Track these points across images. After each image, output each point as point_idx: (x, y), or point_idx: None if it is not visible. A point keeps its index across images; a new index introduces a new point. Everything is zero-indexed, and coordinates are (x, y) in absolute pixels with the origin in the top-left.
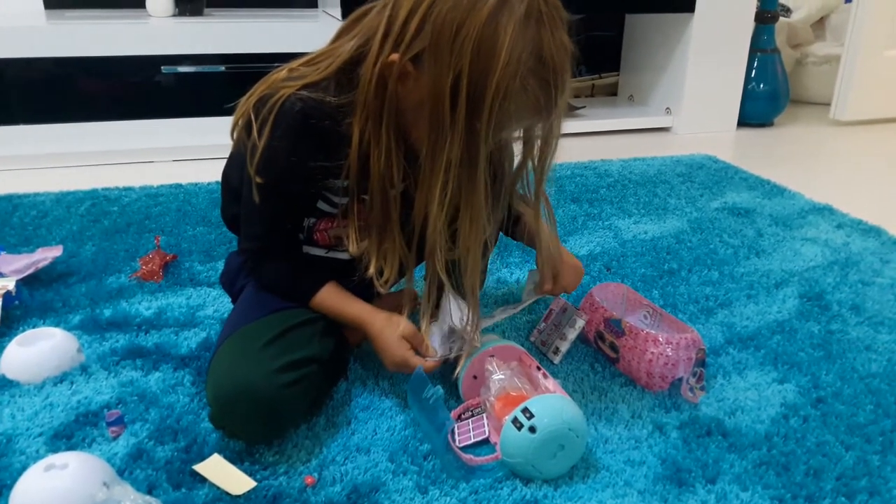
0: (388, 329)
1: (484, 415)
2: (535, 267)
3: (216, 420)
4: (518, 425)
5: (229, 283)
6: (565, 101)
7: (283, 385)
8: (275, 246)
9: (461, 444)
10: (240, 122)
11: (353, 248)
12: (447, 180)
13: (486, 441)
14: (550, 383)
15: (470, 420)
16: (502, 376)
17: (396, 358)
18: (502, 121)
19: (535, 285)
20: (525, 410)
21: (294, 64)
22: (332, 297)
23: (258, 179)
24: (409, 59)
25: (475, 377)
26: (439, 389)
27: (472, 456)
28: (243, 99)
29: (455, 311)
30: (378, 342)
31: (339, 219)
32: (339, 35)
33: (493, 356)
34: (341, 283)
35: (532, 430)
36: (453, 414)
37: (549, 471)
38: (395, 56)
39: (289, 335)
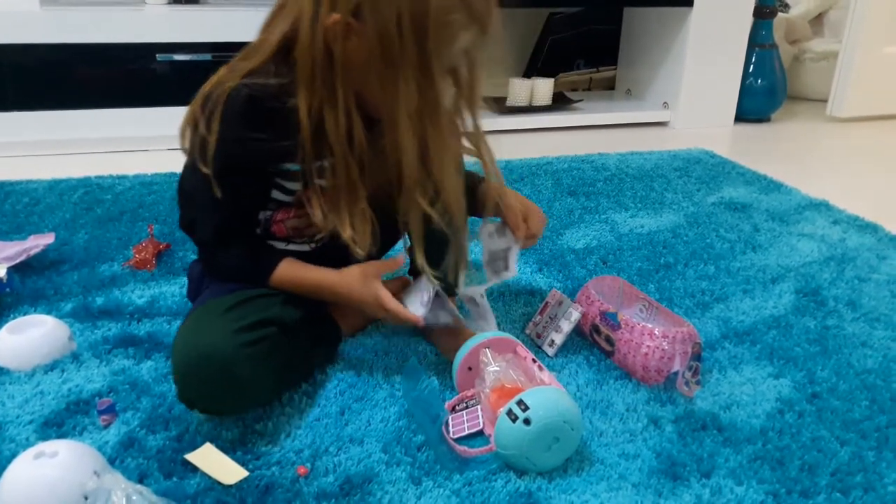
0: (350, 277)
1: (478, 406)
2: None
3: (181, 390)
4: (513, 417)
5: (194, 292)
6: (496, 14)
7: (242, 344)
8: (230, 235)
9: (455, 436)
10: (188, 129)
11: (319, 219)
12: (410, 116)
13: (480, 433)
14: (546, 375)
15: (464, 412)
16: (497, 368)
17: (369, 299)
18: (448, 41)
19: (489, 235)
20: (520, 402)
21: (232, 62)
22: (290, 269)
23: (207, 171)
24: (351, 16)
25: (470, 368)
26: (434, 381)
27: (466, 447)
28: (188, 108)
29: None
30: (351, 296)
31: (295, 208)
32: (266, 25)
33: (488, 347)
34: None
35: (527, 422)
36: (448, 405)
37: (543, 463)
38: (335, 16)
39: (249, 303)
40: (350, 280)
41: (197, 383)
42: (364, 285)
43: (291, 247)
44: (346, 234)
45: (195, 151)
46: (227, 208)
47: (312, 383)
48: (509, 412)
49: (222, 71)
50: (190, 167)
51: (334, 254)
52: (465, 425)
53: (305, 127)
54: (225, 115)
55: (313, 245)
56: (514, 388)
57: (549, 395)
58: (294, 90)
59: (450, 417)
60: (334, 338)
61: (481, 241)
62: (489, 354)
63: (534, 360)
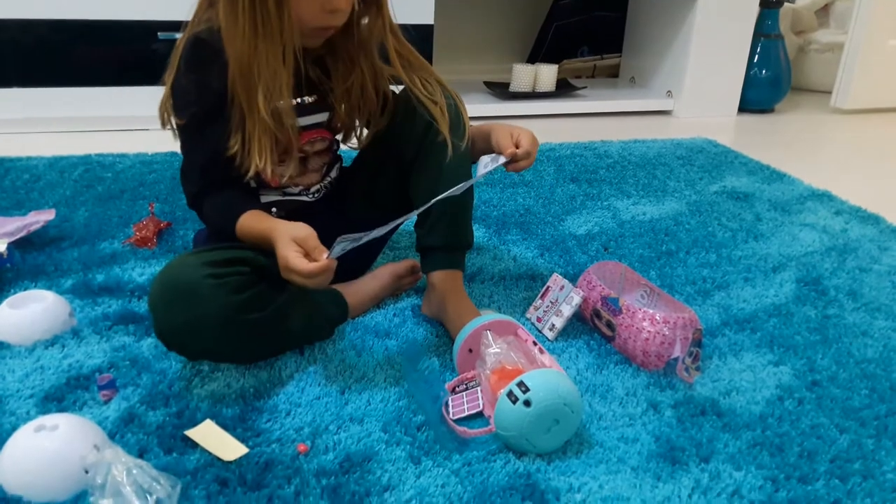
0: (284, 232)
1: (478, 388)
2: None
3: (154, 323)
4: (513, 399)
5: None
6: None
7: (208, 275)
8: (211, 183)
9: (455, 417)
10: (165, 108)
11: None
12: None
13: (480, 414)
14: (546, 358)
15: (464, 393)
16: (498, 350)
17: (281, 260)
18: None
19: (485, 166)
20: (520, 384)
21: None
22: (251, 219)
23: (179, 121)
24: None
25: (470, 350)
26: (434, 361)
27: (465, 428)
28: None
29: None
30: (276, 247)
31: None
32: None
33: (489, 329)
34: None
35: (527, 403)
36: (448, 386)
37: (542, 445)
38: None
39: (224, 249)
40: (283, 231)
41: (164, 311)
42: (286, 247)
43: (288, 197)
44: (253, 164)
45: (168, 107)
46: (203, 158)
47: (312, 362)
48: (510, 393)
49: (177, 42)
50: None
51: (336, 206)
52: (465, 406)
53: (241, 51)
54: (180, 63)
55: (312, 196)
56: (514, 370)
57: (549, 377)
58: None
59: (450, 398)
60: (340, 314)
61: (478, 172)
62: (490, 336)
63: (534, 343)
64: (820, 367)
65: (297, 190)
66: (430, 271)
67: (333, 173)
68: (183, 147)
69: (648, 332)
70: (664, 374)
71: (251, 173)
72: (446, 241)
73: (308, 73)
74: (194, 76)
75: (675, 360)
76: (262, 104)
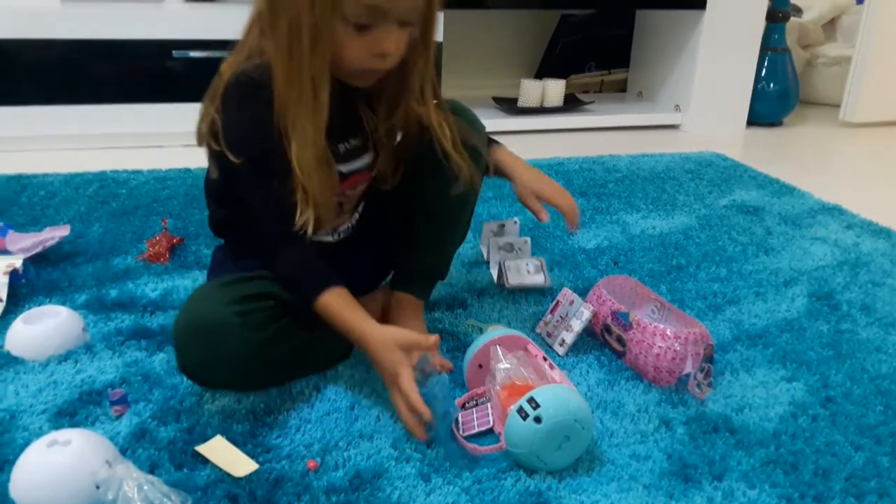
0: (383, 335)
1: (488, 404)
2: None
3: (177, 357)
4: (523, 415)
5: (213, 275)
6: None
7: (234, 313)
8: (281, 234)
9: (465, 433)
10: (205, 129)
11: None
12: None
13: (490, 430)
14: (556, 374)
15: (474, 409)
16: (508, 365)
17: (388, 365)
18: None
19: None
20: (531, 400)
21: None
22: (335, 301)
23: (236, 160)
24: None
25: (480, 366)
26: (444, 377)
27: (475, 445)
28: (202, 107)
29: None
30: (374, 353)
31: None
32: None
33: (499, 345)
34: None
35: (538, 420)
36: (458, 402)
37: (553, 462)
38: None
39: (246, 282)
40: (382, 338)
41: (190, 348)
42: (391, 350)
43: (315, 237)
44: (300, 217)
45: (222, 146)
46: (262, 200)
47: (322, 377)
48: (520, 410)
49: (222, 66)
50: (218, 168)
51: (358, 248)
52: (476, 423)
53: (280, 92)
54: (227, 102)
55: (337, 237)
56: (524, 386)
57: (560, 393)
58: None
59: (459, 415)
60: None
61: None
62: (500, 351)
63: (545, 358)
64: (834, 384)
65: (324, 231)
66: (397, 290)
67: (360, 208)
68: (243, 189)
69: (659, 347)
70: (676, 391)
71: (299, 224)
72: (423, 268)
73: (356, 111)
74: (247, 114)
75: (687, 375)
76: (296, 153)
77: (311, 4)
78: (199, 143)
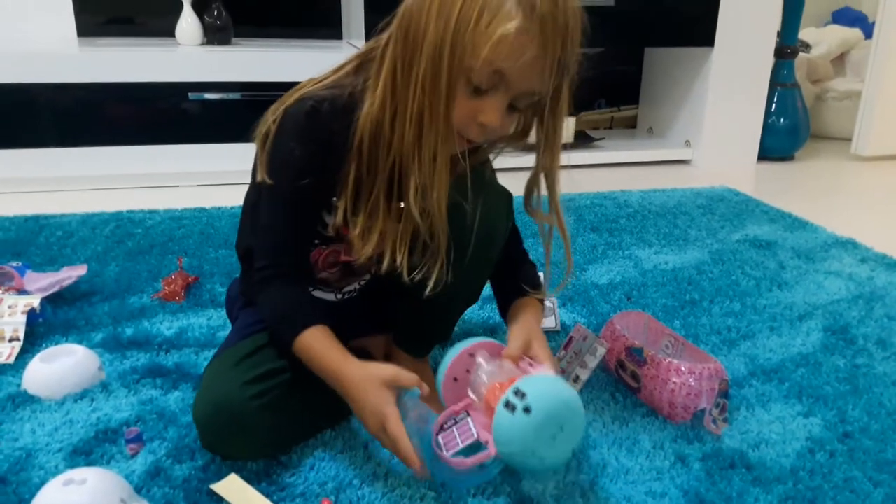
0: (366, 375)
1: (468, 419)
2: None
3: (202, 439)
4: (511, 408)
5: (229, 311)
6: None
7: (251, 396)
8: (278, 266)
9: (450, 453)
10: (260, 133)
11: (361, 250)
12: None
13: (476, 445)
14: (542, 369)
15: (454, 428)
16: (490, 368)
17: (372, 407)
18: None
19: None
20: (516, 392)
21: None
22: (316, 342)
23: (269, 181)
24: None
25: (456, 379)
26: (415, 390)
27: (461, 458)
28: (270, 109)
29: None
30: (357, 395)
31: (329, 246)
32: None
33: (472, 354)
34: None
35: (527, 410)
36: (436, 424)
37: (550, 457)
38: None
39: (259, 352)
40: (363, 374)
41: (213, 434)
42: (374, 389)
43: (317, 293)
44: (385, 262)
45: (260, 163)
46: (282, 233)
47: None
48: (507, 404)
49: (303, 83)
50: (256, 184)
51: (359, 310)
52: (458, 440)
53: (367, 114)
54: (283, 126)
55: (340, 296)
56: (509, 383)
57: (546, 380)
58: (363, 96)
59: (440, 437)
60: None
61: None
62: (480, 358)
63: (523, 359)
64: (851, 419)
65: (328, 289)
66: (402, 350)
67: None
68: (264, 212)
69: (674, 383)
70: (691, 427)
71: (385, 267)
72: (423, 333)
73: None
74: (299, 144)
75: (702, 411)
76: (414, 198)
77: (451, 56)
78: (255, 140)
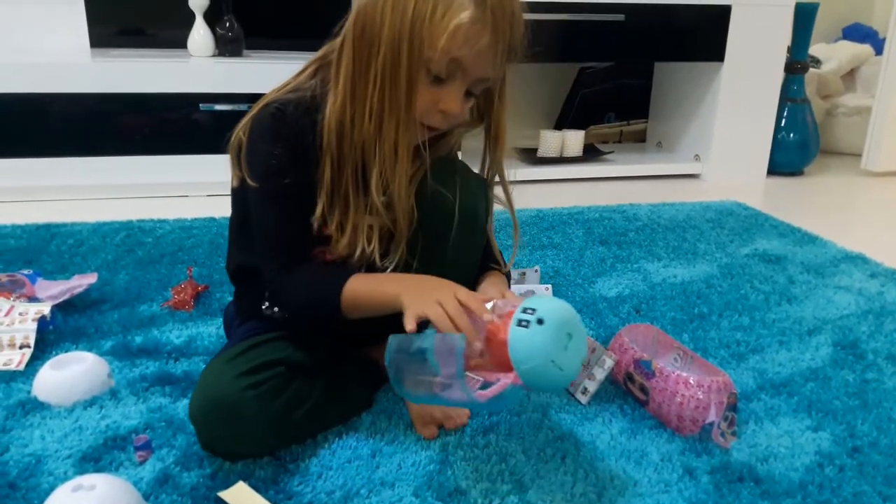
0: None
1: (462, 378)
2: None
3: (199, 437)
4: (525, 324)
5: (227, 334)
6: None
7: (246, 386)
8: (295, 256)
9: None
10: (233, 145)
11: (336, 244)
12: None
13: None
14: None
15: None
16: (487, 317)
17: (445, 283)
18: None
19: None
20: (525, 310)
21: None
22: (362, 282)
23: (255, 184)
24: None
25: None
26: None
27: (480, 391)
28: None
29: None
30: (421, 281)
31: (318, 245)
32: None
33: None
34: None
35: (540, 321)
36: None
37: (567, 365)
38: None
39: (253, 350)
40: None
41: (210, 429)
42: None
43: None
44: (358, 249)
45: (243, 172)
46: (285, 228)
47: (344, 424)
48: (520, 322)
49: (267, 94)
50: (235, 200)
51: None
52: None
53: (333, 113)
54: (252, 131)
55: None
56: (508, 317)
57: (545, 296)
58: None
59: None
60: (374, 381)
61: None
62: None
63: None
64: (860, 433)
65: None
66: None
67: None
68: (259, 219)
69: (683, 395)
70: (700, 440)
71: (355, 259)
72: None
73: None
74: (272, 145)
75: (711, 424)
76: (376, 189)
77: (410, 49)
78: (229, 154)
